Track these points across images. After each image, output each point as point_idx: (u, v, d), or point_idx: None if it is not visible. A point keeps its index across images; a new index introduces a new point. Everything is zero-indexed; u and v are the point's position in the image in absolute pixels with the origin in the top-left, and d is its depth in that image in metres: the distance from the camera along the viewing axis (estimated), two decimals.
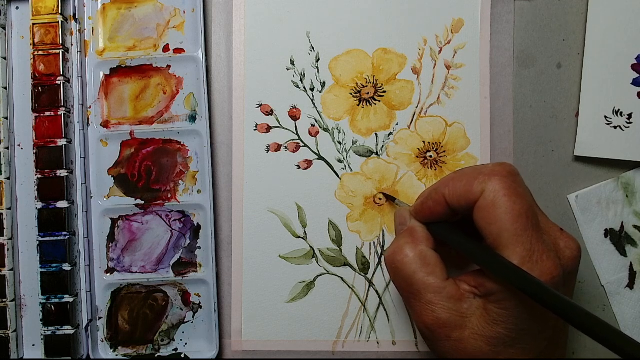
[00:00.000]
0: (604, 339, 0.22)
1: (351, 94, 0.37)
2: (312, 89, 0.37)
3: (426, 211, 0.30)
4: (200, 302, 0.37)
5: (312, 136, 0.37)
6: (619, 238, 0.37)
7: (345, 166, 0.37)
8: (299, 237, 0.37)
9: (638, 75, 0.36)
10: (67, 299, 0.35)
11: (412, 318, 0.29)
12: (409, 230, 0.31)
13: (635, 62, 0.36)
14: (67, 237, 0.35)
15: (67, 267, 0.35)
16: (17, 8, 0.38)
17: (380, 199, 0.37)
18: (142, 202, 0.37)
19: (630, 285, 0.37)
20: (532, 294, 0.24)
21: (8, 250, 0.36)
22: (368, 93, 0.37)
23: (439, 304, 0.27)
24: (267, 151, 0.37)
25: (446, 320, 0.27)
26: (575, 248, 0.28)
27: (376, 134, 0.37)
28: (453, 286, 0.28)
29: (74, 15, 0.37)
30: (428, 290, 0.28)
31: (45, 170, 0.36)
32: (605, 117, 0.36)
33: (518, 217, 0.26)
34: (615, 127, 0.36)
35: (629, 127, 0.36)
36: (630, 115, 0.36)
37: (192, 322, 0.37)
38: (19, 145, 0.37)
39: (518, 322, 0.26)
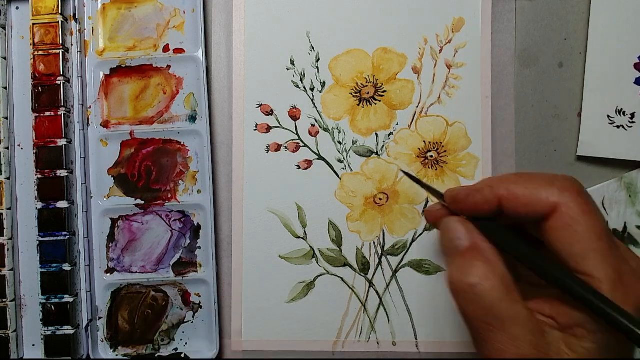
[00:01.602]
0: None
1: (351, 93, 0.37)
2: (312, 89, 0.37)
3: (469, 204, 0.26)
4: (200, 302, 0.37)
5: (312, 136, 0.37)
6: (621, 238, 0.36)
7: (345, 166, 0.37)
8: (299, 237, 0.37)
9: None
10: (67, 299, 0.35)
11: (485, 354, 0.24)
12: (476, 247, 0.25)
13: (638, 61, 0.35)
14: (67, 237, 0.36)
15: (67, 267, 0.35)
16: (17, 8, 0.38)
17: (380, 199, 0.37)
18: (142, 202, 0.37)
19: None
20: (629, 332, 0.21)
21: (8, 250, 0.36)
22: (368, 93, 0.37)
23: (526, 338, 0.23)
24: (267, 151, 0.37)
25: (530, 358, 0.23)
26: None
27: (376, 134, 0.37)
28: (532, 316, 0.23)
29: (74, 15, 0.37)
30: (514, 322, 0.23)
31: (45, 170, 0.36)
32: (608, 116, 0.36)
33: (602, 236, 0.23)
34: (618, 127, 0.36)
35: (631, 126, 0.35)
36: (633, 115, 0.35)
37: (192, 322, 0.37)
38: (19, 145, 0.38)
39: (604, 356, 0.23)
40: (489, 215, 0.26)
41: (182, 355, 0.37)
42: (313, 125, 0.37)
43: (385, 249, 0.37)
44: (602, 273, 0.22)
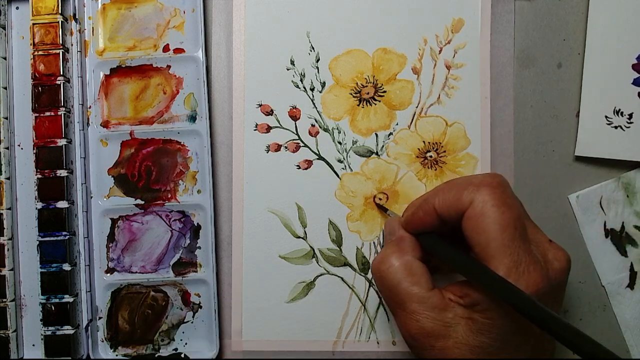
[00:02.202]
0: (586, 353, 0.22)
1: (351, 94, 0.37)
2: (312, 89, 0.37)
3: (416, 221, 0.30)
4: (200, 302, 0.37)
5: (312, 136, 0.37)
6: (619, 238, 0.37)
7: (345, 166, 0.37)
8: (299, 237, 0.37)
9: (639, 75, 0.35)
10: (67, 299, 0.35)
11: (398, 327, 0.29)
12: (396, 240, 0.31)
13: (636, 61, 0.35)
14: (67, 237, 0.35)
15: (67, 267, 0.35)
16: (17, 8, 0.38)
17: (380, 199, 0.37)
18: (142, 202, 0.37)
19: (631, 285, 0.37)
20: (515, 306, 0.24)
21: (8, 250, 0.36)
22: (368, 93, 0.37)
23: (423, 313, 0.27)
24: (267, 151, 0.37)
25: (430, 330, 0.27)
26: (564, 260, 0.28)
27: (376, 134, 0.37)
28: (438, 296, 0.28)
29: (74, 15, 0.37)
30: (412, 299, 0.28)
31: (45, 170, 0.36)
32: (606, 117, 0.36)
33: (506, 228, 0.26)
34: (616, 127, 0.36)
35: (629, 127, 0.36)
36: (630, 115, 0.36)
37: (192, 322, 0.37)
38: (19, 145, 0.37)
39: (502, 332, 0.26)
40: (435, 225, 0.29)
41: (182, 356, 0.37)
42: (313, 125, 0.37)
43: None
44: (498, 260, 0.26)
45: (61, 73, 0.36)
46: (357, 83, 0.37)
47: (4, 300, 0.36)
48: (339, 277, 0.37)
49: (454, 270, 0.28)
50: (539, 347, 0.28)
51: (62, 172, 0.36)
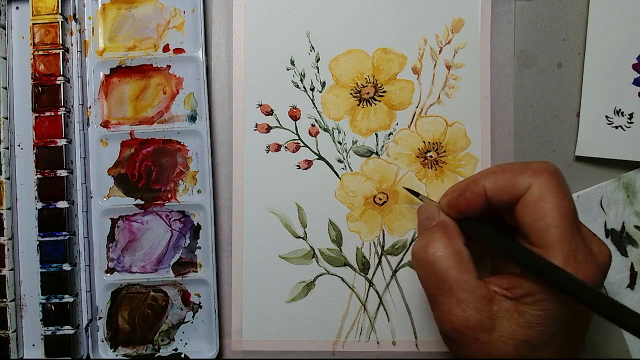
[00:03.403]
0: None
1: (351, 94, 0.37)
2: (312, 89, 0.37)
3: (462, 204, 0.29)
4: (200, 302, 0.37)
5: (312, 136, 0.37)
6: (620, 238, 0.37)
7: (345, 166, 0.37)
8: (299, 237, 0.37)
9: (639, 75, 0.35)
10: (67, 299, 0.35)
11: (437, 318, 0.28)
12: (440, 225, 0.29)
13: (636, 61, 0.35)
14: (67, 237, 0.36)
15: (67, 267, 0.35)
16: (17, 8, 0.38)
17: (380, 199, 0.37)
18: (142, 202, 0.37)
19: (631, 285, 0.37)
20: (578, 296, 0.23)
21: (8, 250, 0.36)
22: (368, 93, 0.37)
23: (471, 303, 0.26)
24: (267, 151, 0.37)
25: (475, 321, 0.26)
26: (607, 254, 0.27)
27: (376, 134, 0.37)
28: (484, 287, 0.27)
29: (74, 15, 0.37)
30: (461, 288, 0.26)
31: (45, 170, 0.36)
32: (606, 117, 0.36)
33: (566, 215, 0.25)
34: (616, 127, 0.36)
35: (630, 127, 0.36)
36: (631, 115, 0.36)
37: (192, 322, 0.37)
38: (19, 145, 0.37)
39: (553, 324, 0.25)
40: (481, 209, 0.28)
41: (182, 356, 0.37)
42: (313, 125, 0.37)
43: (385, 248, 0.37)
44: (558, 248, 0.25)
45: (61, 73, 0.36)
46: (357, 83, 0.37)
47: (4, 300, 0.36)
48: (339, 277, 0.37)
49: (506, 259, 0.27)
50: (575, 346, 0.27)
51: (62, 172, 0.36)
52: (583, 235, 0.26)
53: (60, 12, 0.36)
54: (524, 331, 0.25)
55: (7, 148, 0.37)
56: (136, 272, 0.37)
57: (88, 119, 0.37)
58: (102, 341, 0.37)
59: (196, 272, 0.37)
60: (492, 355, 0.26)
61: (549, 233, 0.25)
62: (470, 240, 0.29)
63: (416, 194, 0.35)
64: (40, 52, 0.36)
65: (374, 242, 0.37)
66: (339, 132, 0.37)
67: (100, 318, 0.37)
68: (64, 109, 0.36)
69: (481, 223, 0.29)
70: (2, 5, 0.37)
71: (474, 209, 0.29)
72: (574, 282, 0.23)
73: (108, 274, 0.37)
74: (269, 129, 0.37)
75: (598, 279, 0.25)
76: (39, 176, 0.36)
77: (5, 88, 0.37)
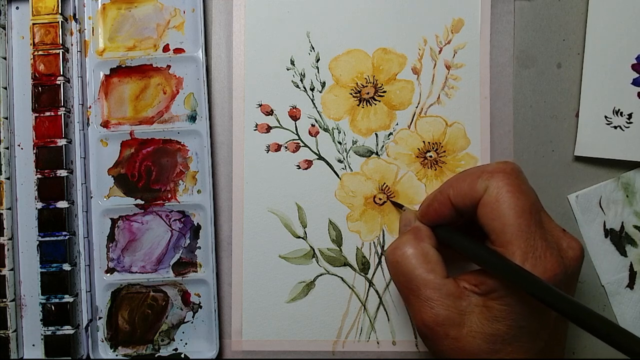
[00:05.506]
0: (606, 336, 0.22)
1: (351, 94, 0.37)
2: (312, 89, 0.37)
3: (432, 213, 0.31)
4: (200, 302, 0.37)
5: (312, 136, 0.37)
6: (619, 238, 0.37)
7: (345, 166, 0.37)
8: (299, 237, 0.37)
9: (638, 75, 0.36)
10: (67, 299, 0.35)
11: (411, 316, 0.29)
12: (412, 229, 0.31)
13: (636, 61, 0.36)
14: (67, 237, 0.35)
15: (67, 267, 0.35)
16: (17, 8, 0.38)
17: (380, 198, 0.37)
18: (142, 202, 0.37)
19: (631, 285, 0.37)
20: (532, 292, 0.24)
21: (8, 250, 0.36)
22: (368, 93, 0.37)
23: (438, 300, 0.27)
24: (267, 151, 0.37)
25: (445, 318, 0.27)
26: (577, 248, 0.28)
27: (376, 134, 0.37)
28: (452, 284, 0.28)
29: (74, 15, 0.37)
30: (427, 286, 0.28)
31: (45, 170, 0.36)
32: (606, 117, 0.36)
33: (521, 213, 0.26)
34: (615, 127, 0.36)
35: (629, 127, 0.36)
36: (630, 115, 0.36)
37: (192, 322, 0.37)
38: (19, 145, 0.37)
39: (518, 318, 0.26)
40: (450, 216, 0.30)
41: (182, 356, 0.37)
42: (313, 125, 0.37)
43: (385, 248, 0.37)
44: (515, 245, 0.26)
45: (61, 73, 0.36)
46: (357, 83, 0.37)
47: (4, 300, 0.36)
48: (339, 277, 0.37)
49: (470, 260, 0.28)
50: (553, 338, 0.28)
51: (62, 172, 0.36)
52: (547, 231, 0.27)
53: (60, 12, 0.36)
54: (491, 325, 0.26)
55: (7, 148, 0.37)
56: (136, 272, 0.37)
57: (88, 119, 0.37)
58: (102, 341, 0.37)
59: (196, 272, 0.37)
60: (464, 351, 0.27)
61: (506, 232, 0.26)
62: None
63: (400, 206, 0.36)
64: (40, 52, 0.36)
65: (374, 242, 0.37)
66: (339, 132, 0.37)
67: (100, 318, 0.37)
68: (64, 109, 0.36)
69: (448, 228, 0.30)
70: (2, 5, 0.37)
71: (443, 217, 0.30)
72: (525, 278, 0.24)
73: (108, 274, 0.37)
74: (269, 129, 0.37)
75: (562, 272, 0.26)
76: (39, 176, 0.36)
77: (5, 88, 0.37)
